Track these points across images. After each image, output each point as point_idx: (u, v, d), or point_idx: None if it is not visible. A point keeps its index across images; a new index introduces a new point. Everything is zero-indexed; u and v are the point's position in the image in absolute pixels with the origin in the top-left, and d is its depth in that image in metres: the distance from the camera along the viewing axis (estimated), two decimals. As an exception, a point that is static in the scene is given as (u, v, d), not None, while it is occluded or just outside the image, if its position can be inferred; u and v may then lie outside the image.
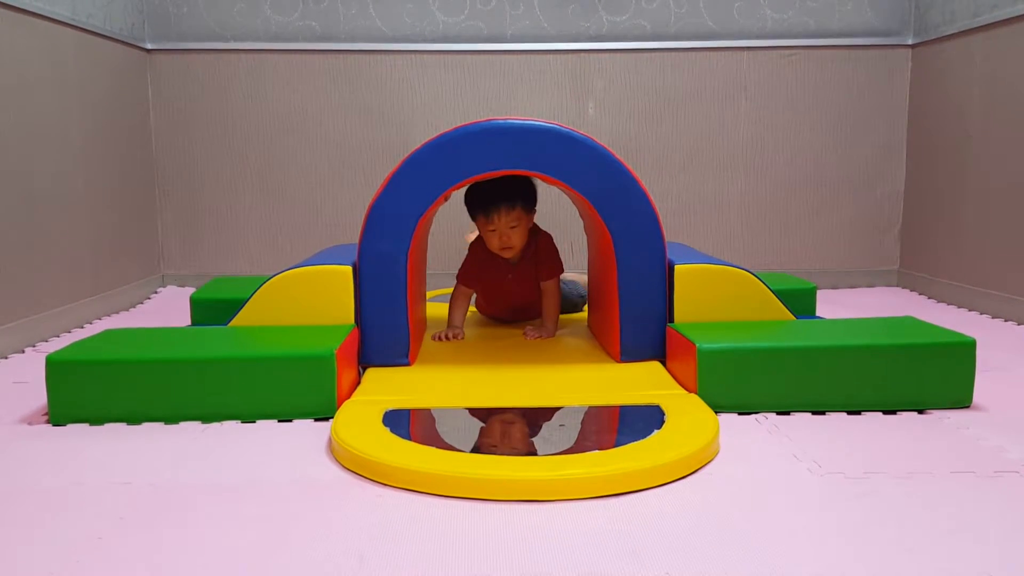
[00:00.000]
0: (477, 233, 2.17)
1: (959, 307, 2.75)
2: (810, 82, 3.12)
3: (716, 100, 3.13)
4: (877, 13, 3.09)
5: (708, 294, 1.84)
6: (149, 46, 3.05)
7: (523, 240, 2.10)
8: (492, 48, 3.08)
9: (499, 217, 2.04)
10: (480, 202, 2.06)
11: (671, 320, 1.86)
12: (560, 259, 2.19)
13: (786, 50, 3.10)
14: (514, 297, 2.23)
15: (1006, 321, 2.49)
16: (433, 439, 1.42)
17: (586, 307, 2.35)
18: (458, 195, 2.10)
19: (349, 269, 1.84)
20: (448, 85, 3.11)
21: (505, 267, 2.16)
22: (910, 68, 3.11)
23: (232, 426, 1.55)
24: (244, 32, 3.07)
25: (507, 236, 2.06)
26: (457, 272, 2.21)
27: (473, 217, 2.11)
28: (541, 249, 2.16)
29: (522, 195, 2.05)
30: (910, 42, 3.08)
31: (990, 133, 2.63)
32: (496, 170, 1.82)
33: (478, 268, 2.18)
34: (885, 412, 1.61)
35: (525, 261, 2.16)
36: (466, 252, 2.23)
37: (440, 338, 2.10)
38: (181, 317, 2.53)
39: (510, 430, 1.51)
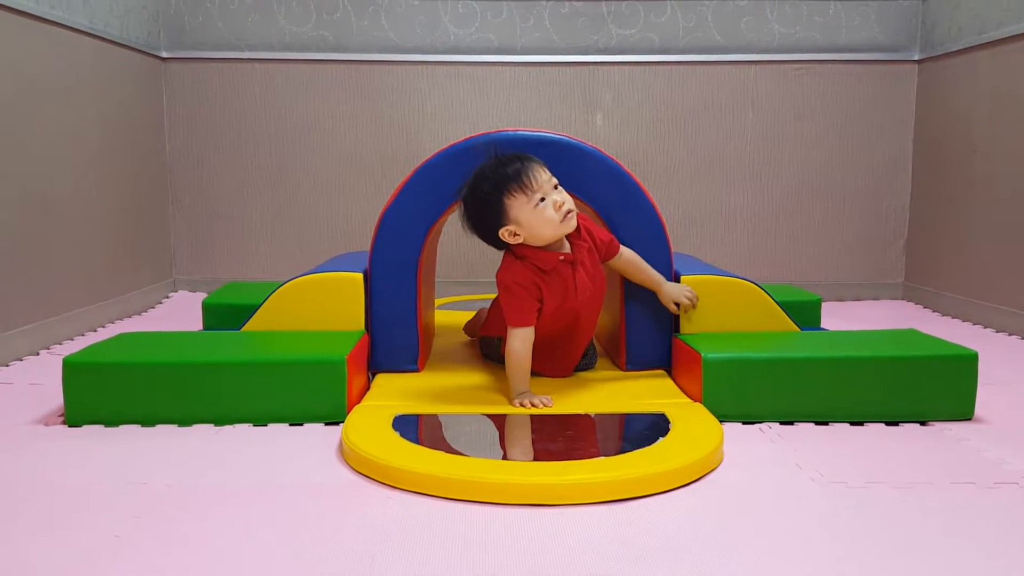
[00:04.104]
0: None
1: (964, 320, 2.76)
2: (817, 96, 3.15)
3: (723, 113, 3.16)
4: (884, 29, 3.12)
5: (714, 305, 1.86)
6: (164, 55, 3.09)
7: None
8: (502, 60, 3.11)
9: (539, 176, 1.63)
10: (503, 176, 1.63)
11: (677, 330, 1.89)
12: None
13: (793, 64, 3.13)
14: (583, 320, 1.78)
15: (1010, 335, 2.51)
16: (441, 444, 1.44)
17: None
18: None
19: (360, 276, 1.87)
20: (458, 96, 3.14)
21: (566, 269, 1.69)
22: (916, 83, 3.13)
23: (244, 429, 1.58)
24: (258, 42, 3.11)
25: (559, 195, 1.64)
26: (509, 316, 1.67)
27: (494, 215, 1.65)
28: (585, 224, 1.74)
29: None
30: (916, 58, 3.11)
31: (995, 147, 2.65)
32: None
33: (536, 292, 1.67)
34: (887, 423, 1.63)
35: (579, 249, 1.72)
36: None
37: (528, 405, 1.61)
38: (192, 322, 2.56)
39: (520, 435, 1.53)
